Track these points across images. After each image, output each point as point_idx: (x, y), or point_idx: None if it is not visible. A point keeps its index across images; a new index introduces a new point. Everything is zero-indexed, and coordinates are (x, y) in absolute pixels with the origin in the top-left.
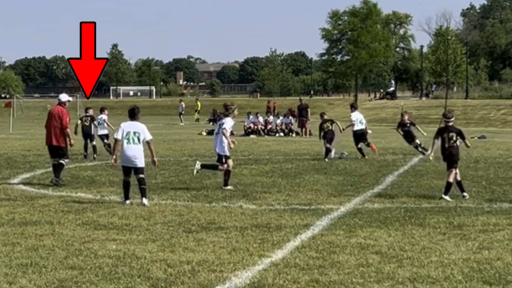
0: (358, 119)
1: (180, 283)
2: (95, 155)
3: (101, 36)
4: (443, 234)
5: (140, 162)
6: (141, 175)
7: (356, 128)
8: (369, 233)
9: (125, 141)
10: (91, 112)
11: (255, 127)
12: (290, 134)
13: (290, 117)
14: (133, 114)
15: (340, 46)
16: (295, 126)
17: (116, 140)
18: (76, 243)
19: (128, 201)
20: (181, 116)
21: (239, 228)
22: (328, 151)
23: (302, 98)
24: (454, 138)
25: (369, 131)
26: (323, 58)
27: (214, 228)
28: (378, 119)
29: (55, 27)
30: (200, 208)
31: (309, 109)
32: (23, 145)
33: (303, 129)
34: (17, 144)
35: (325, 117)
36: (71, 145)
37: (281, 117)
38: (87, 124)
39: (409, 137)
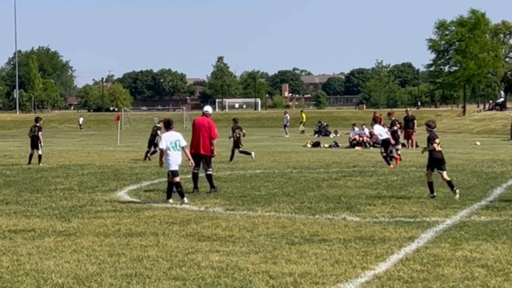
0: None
1: None
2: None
3: (207, 48)
4: None
5: (178, 166)
6: (178, 178)
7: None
8: (475, 246)
9: (170, 149)
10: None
11: (360, 138)
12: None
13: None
14: (169, 125)
15: (447, 57)
16: (401, 138)
17: (161, 150)
18: (180, 254)
19: (170, 200)
20: (286, 128)
21: (342, 240)
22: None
23: (408, 109)
24: None
25: (478, 143)
26: (430, 69)
27: (317, 240)
28: (487, 131)
29: (162, 41)
30: (303, 220)
31: (415, 121)
32: (130, 157)
33: (409, 141)
34: (124, 156)
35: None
36: (214, 155)
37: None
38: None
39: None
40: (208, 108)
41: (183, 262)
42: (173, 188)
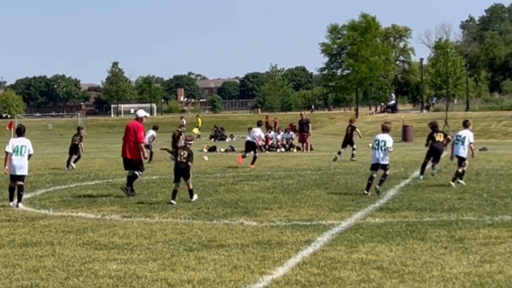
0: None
1: None
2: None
3: (101, 54)
4: (444, 248)
5: (24, 171)
6: (22, 182)
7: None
8: (371, 248)
9: (14, 153)
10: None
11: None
12: (291, 149)
13: (291, 132)
14: (19, 132)
15: (340, 60)
16: (296, 141)
17: (7, 153)
18: (77, 263)
19: (12, 203)
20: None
21: (240, 246)
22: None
23: (303, 113)
24: None
25: (370, 145)
26: (323, 72)
27: (215, 246)
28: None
29: (55, 47)
30: (201, 225)
31: (310, 124)
32: None
33: (304, 144)
34: None
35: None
36: (145, 158)
37: (281, 132)
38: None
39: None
40: (138, 112)
41: (80, 272)
42: (14, 191)
